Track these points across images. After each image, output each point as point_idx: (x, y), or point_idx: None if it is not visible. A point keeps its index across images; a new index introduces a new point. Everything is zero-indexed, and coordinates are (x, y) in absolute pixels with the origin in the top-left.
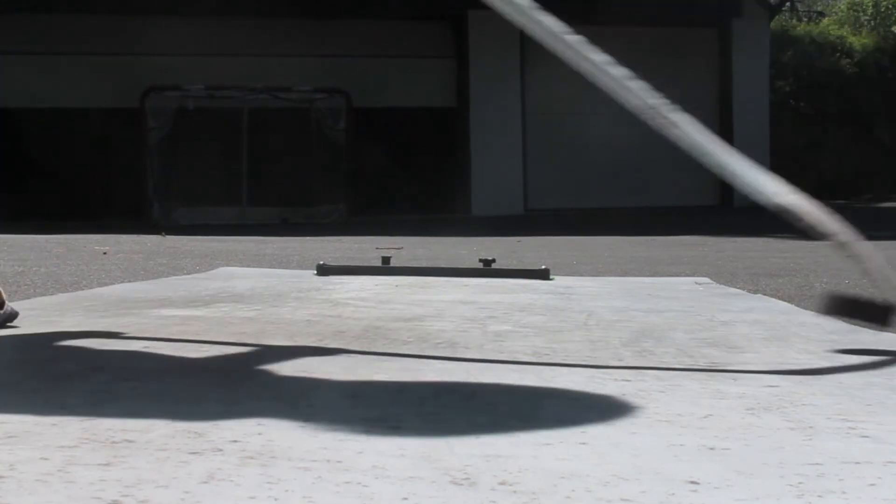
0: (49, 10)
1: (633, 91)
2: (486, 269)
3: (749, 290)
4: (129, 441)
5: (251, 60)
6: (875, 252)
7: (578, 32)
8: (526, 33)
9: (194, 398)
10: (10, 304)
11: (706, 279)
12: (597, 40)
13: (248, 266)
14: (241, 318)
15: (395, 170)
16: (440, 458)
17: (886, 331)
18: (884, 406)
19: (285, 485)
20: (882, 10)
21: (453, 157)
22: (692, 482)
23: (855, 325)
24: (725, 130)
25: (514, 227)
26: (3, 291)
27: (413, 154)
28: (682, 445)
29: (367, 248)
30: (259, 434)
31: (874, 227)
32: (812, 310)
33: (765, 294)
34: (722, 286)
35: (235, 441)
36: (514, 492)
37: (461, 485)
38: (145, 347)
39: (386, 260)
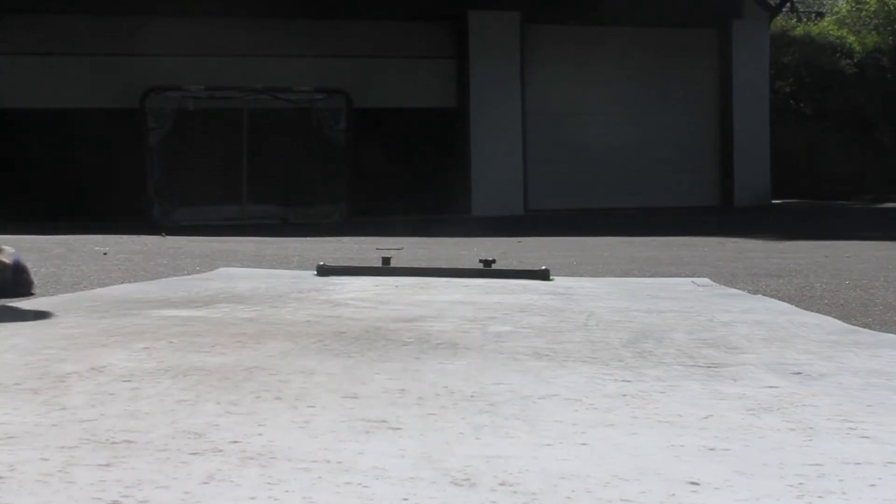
0: (49, 11)
1: None
2: (487, 270)
3: (749, 291)
4: (129, 441)
5: (251, 60)
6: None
7: (580, 32)
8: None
9: (195, 398)
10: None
11: (706, 280)
12: (598, 40)
13: (249, 266)
14: (242, 319)
15: (395, 170)
16: (440, 459)
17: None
18: (884, 406)
19: (285, 485)
20: (890, 7)
21: (453, 157)
22: (692, 482)
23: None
24: (726, 130)
25: (514, 227)
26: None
27: (413, 154)
28: (682, 446)
29: (367, 248)
30: (259, 434)
31: (873, 227)
32: (813, 310)
33: (765, 295)
34: (722, 287)
35: (235, 441)
36: (514, 492)
37: (461, 485)
38: (145, 348)
39: (386, 260)
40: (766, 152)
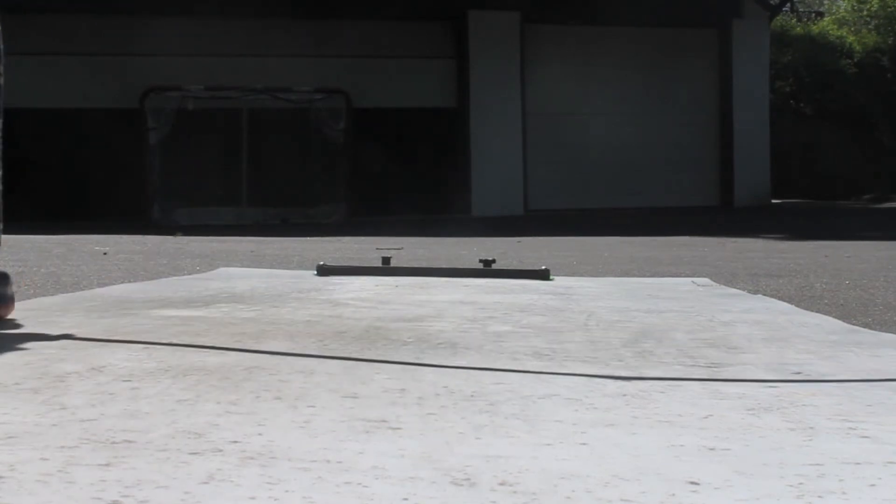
0: (49, 11)
1: None
2: (486, 270)
3: (749, 291)
4: (129, 441)
5: (251, 60)
6: None
7: (580, 32)
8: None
9: (194, 398)
10: None
11: (706, 279)
12: (598, 40)
13: (249, 266)
14: (242, 319)
15: (395, 170)
16: (440, 459)
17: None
18: (884, 406)
19: (285, 485)
20: (891, 7)
21: (453, 157)
22: (692, 483)
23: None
24: (726, 130)
25: (514, 227)
26: None
27: (413, 154)
28: (682, 446)
29: (367, 248)
30: (259, 434)
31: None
32: (813, 310)
33: (765, 294)
34: (722, 286)
35: (235, 441)
36: (514, 492)
37: (461, 485)
38: (145, 348)
39: (386, 260)
40: (766, 152)
